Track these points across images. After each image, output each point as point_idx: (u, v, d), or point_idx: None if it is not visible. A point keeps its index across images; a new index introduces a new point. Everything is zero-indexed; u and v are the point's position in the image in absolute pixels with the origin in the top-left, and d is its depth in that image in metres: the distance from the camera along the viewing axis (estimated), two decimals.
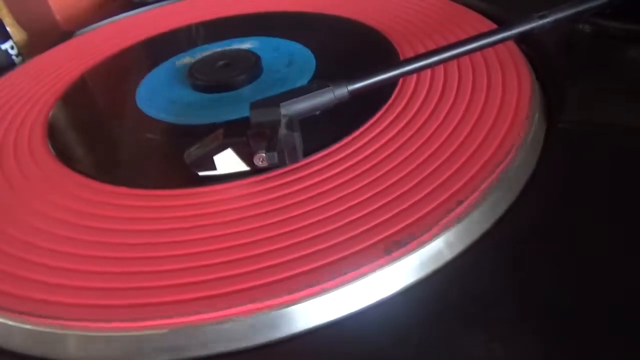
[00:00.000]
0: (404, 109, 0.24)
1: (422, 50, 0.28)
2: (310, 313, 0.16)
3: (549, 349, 0.14)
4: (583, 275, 0.16)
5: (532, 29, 0.23)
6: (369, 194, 0.19)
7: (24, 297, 0.17)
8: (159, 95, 0.29)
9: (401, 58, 0.28)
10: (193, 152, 0.21)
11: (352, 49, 0.31)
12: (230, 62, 0.30)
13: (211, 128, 0.22)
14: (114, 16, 0.43)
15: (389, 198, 0.19)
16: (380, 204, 0.19)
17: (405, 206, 0.18)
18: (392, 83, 0.25)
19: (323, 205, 0.19)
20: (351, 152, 0.22)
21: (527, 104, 0.22)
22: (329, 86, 0.21)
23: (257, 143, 0.20)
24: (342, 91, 0.21)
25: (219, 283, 0.17)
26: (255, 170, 0.21)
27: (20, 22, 0.42)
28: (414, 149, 0.21)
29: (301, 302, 0.16)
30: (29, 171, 0.24)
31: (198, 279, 0.17)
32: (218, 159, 0.21)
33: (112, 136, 0.28)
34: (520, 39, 0.27)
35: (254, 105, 0.21)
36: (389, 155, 0.21)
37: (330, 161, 0.21)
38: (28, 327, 0.17)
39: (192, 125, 0.26)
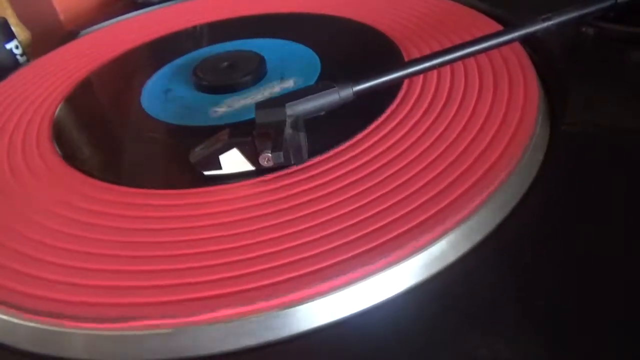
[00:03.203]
0: (411, 110, 0.24)
1: (426, 52, 0.28)
2: (314, 313, 0.16)
3: (552, 349, 0.14)
4: (586, 277, 0.16)
5: (536, 31, 0.23)
6: (374, 196, 0.19)
7: (30, 294, 0.17)
8: (163, 96, 0.29)
9: (405, 60, 0.28)
10: (198, 151, 0.21)
11: (357, 51, 0.31)
12: (234, 63, 0.30)
13: (215, 129, 0.22)
14: (117, 16, 0.43)
15: (395, 200, 0.19)
16: (386, 205, 0.19)
17: (410, 208, 0.18)
18: (398, 84, 0.25)
19: (328, 207, 0.19)
20: (357, 153, 0.22)
21: (535, 106, 0.22)
22: (334, 87, 0.21)
23: (262, 143, 0.20)
24: (347, 92, 0.21)
25: (222, 283, 0.17)
26: (260, 170, 0.21)
27: (24, 21, 0.43)
28: (420, 151, 0.21)
29: (306, 302, 0.16)
30: (37, 170, 0.24)
31: (201, 279, 0.17)
32: (223, 158, 0.21)
33: (117, 137, 0.28)
34: (524, 41, 0.27)
35: (259, 106, 0.21)
36: (395, 157, 0.21)
37: (336, 162, 0.21)
38: (33, 325, 0.17)
39: (197, 127, 0.26)
